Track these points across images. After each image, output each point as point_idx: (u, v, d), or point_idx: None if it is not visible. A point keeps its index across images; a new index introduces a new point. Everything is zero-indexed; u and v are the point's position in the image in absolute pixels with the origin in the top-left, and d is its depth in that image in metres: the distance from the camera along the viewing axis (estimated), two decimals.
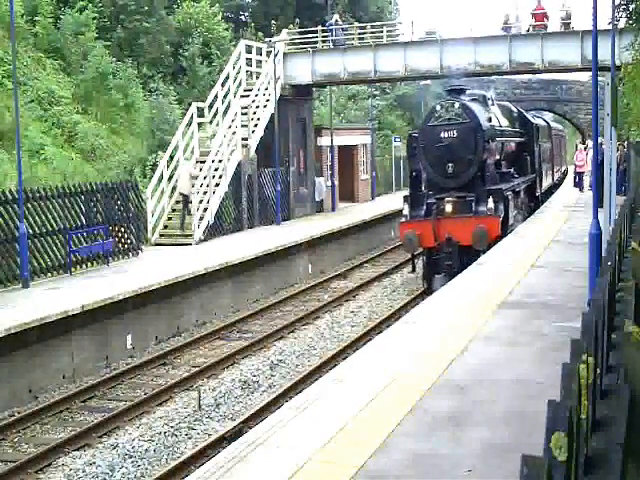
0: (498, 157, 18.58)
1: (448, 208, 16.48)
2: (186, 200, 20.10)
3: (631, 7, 17.50)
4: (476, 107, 17.28)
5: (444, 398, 5.98)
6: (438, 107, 17.14)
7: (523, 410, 5.59)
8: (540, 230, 17.15)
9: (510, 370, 6.68)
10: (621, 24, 18.57)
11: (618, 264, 4.43)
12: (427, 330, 8.22)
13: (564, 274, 11.38)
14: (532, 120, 23.98)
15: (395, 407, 5.79)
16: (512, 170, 20.20)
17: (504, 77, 42.58)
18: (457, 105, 16.77)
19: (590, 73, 22.60)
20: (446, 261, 15.86)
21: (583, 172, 28.26)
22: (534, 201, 23.51)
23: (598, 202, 9.70)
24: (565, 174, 39.17)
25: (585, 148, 29.22)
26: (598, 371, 2.48)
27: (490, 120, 17.48)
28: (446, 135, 16.62)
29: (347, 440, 5.18)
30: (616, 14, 15.15)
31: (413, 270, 17.71)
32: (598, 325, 2.62)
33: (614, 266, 3.90)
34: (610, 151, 11.02)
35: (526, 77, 44.19)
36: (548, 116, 46.25)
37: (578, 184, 28.94)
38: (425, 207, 16.83)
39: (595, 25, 9.84)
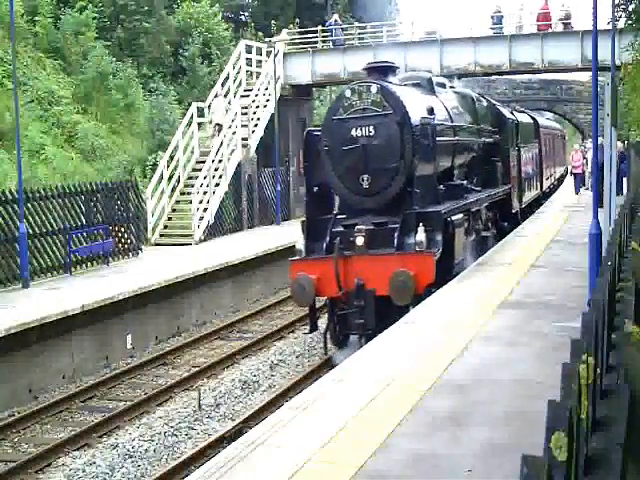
0: (447, 164, 13.47)
1: (359, 241, 10.92)
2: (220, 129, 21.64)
3: (631, 7, 17.49)
4: (406, 92, 12.15)
5: (444, 398, 5.98)
6: (348, 92, 11.59)
7: (523, 410, 5.59)
8: (540, 230, 17.12)
9: (510, 370, 6.67)
10: (621, 24, 18.55)
11: (618, 264, 4.43)
12: (427, 330, 8.22)
13: (564, 274, 11.38)
14: (508, 115, 18.43)
15: (395, 407, 5.79)
16: (473, 181, 15.16)
17: (504, 77, 42.55)
18: (374, 89, 11.35)
19: (590, 73, 22.62)
20: (356, 318, 10.81)
21: (579, 173, 27.27)
22: (509, 220, 17.79)
23: (598, 202, 9.71)
24: (562, 180, 35.29)
25: (583, 149, 28.55)
26: (598, 371, 2.48)
27: (431, 112, 12.05)
28: (359, 133, 11.34)
29: (347, 440, 5.18)
30: (616, 14, 15.15)
31: (311, 330, 12.04)
32: (598, 325, 2.62)
33: (614, 266, 3.90)
34: (610, 151, 11.02)
35: (526, 77, 44.18)
36: (548, 115, 46.18)
37: (575, 186, 27.54)
38: (328, 238, 11.36)
39: (595, 25, 9.83)
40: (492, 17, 27.67)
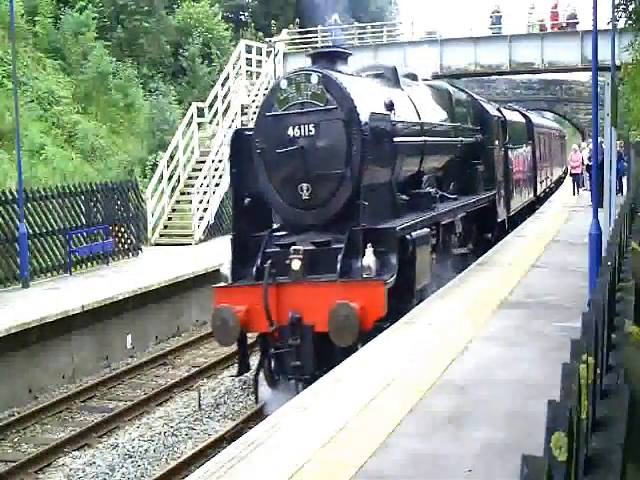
0: (412, 169, 11.42)
1: (295, 265, 8.98)
2: None
3: (631, 7, 17.49)
4: (356, 83, 10.06)
5: (444, 398, 5.98)
6: (284, 83, 9.58)
7: (523, 410, 5.59)
8: (540, 230, 17.12)
9: (510, 370, 6.67)
10: (621, 24, 18.55)
11: (618, 264, 4.43)
12: (427, 330, 8.22)
13: (564, 274, 11.38)
14: (493, 112, 16.23)
15: (395, 407, 5.79)
16: (449, 187, 13.40)
17: (504, 77, 42.57)
18: (315, 79, 9.36)
19: (590, 73, 22.63)
20: (292, 360, 8.87)
21: (578, 174, 26.67)
22: (493, 230, 15.66)
23: (598, 202, 9.71)
24: (560, 182, 33.76)
25: (581, 149, 28.12)
26: (598, 371, 2.48)
27: (391, 107, 10.20)
28: (297, 133, 9.39)
29: (347, 440, 5.18)
30: (616, 14, 15.15)
31: (240, 371, 9.85)
32: (598, 325, 2.62)
33: (614, 266, 3.90)
34: (610, 151, 11.02)
35: (526, 77, 44.22)
36: (548, 115, 46.15)
37: (573, 187, 26.97)
38: (259, 261, 9.31)
39: (595, 25, 9.84)
40: (491, 17, 27.69)
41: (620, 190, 19.81)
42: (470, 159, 14.45)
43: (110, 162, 21.07)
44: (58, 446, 9.18)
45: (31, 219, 14.70)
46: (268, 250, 9.40)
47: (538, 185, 23.44)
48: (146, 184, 20.49)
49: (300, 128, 9.39)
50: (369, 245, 8.85)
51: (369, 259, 8.79)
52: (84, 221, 16.10)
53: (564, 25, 26.27)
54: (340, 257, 8.94)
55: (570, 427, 1.74)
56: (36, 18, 23.12)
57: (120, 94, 23.56)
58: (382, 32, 28.26)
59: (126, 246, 17.53)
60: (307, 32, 28.07)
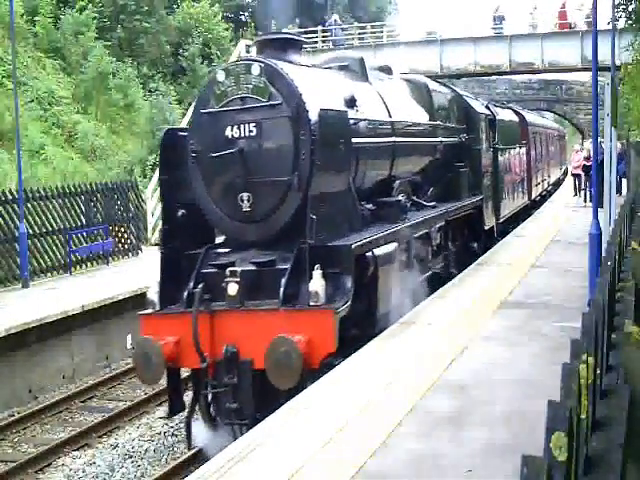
0: (380, 174, 10.10)
1: (232, 289, 7.62)
2: None
3: (631, 7, 17.50)
4: (307, 75, 8.69)
5: (444, 398, 5.98)
6: (221, 75, 8.21)
7: (523, 410, 5.59)
8: (540, 230, 17.11)
9: (510, 370, 6.68)
10: (621, 24, 18.58)
11: (618, 264, 4.43)
12: (426, 330, 8.22)
13: (564, 274, 11.38)
14: (480, 110, 14.89)
15: (395, 407, 5.79)
16: (427, 193, 12.04)
17: (504, 77, 42.59)
18: (256, 70, 8.01)
19: (590, 73, 22.63)
20: (229, 402, 7.56)
21: (579, 174, 26.51)
22: (479, 240, 14.33)
23: (598, 202, 9.71)
24: (559, 183, 32.72)
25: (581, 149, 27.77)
26: (598, 371, 2.48)
27: (352, 103, 9.02)
28: (236, 133, 8.06)
29: (347, 440, 5.18)
30: (616, 14, 15.16)
31: (171, 412, 8.39)
32: (598, 325, 2.62)
33: (614, 266, 3.90)
34: (610, 151, 11.03)
35: (526, 77, 44.25)
36: (548, 115, 46.11)
37: (574, 187, 26.19)
38: (192, 284, 7.96)
39: (595, 25, 9.84)
40: (494, 18, 27.70)
41: (619, 190, 19.80)
42: (453, 161, 13.12)
43: (110, 162, 21.08)
44: (58, 446, 9.18)
45: (31, 219, 14.71)
46: (204, 271, 8.04)
47: (533, 188, 22.16)
48: (146, 184, 20.49)
49: (239, 128, 8.02)
50: (317, 267, 7.38)
51: (316, 283, 7.32)
52: (84, 221, 16.10)
53: (572, 25, 26.25)
54: (284, 280, 7.48)
55: (570, 427, 1.74)
56: (36, 18, 23.13)
57: (120, 94, 23.57)
58: (382, 32, 28.27)
59: (126, 246, 17.53)
60: (307, 32, 28.08)
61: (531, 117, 24.70)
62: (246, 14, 38.27)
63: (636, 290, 3.24)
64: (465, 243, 13.61)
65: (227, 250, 8.42)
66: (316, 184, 7.78)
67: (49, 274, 14.99)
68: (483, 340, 7.74)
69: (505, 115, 18.44)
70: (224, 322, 7.63)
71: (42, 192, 15.14)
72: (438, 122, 12.59)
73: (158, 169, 9.05)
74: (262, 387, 7.32)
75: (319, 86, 8.73)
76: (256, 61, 8.17)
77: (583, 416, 2.04)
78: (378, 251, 8.37)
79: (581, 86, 45.88)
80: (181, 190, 8.55)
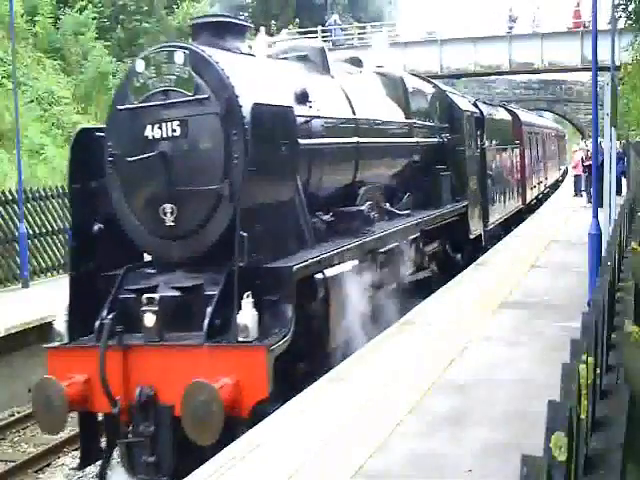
0: (341, 180, 8.86)
1: (148, 320, 6.41)
2: None
3: (630, 7, 17.51)
4: (245, 65, 7.46)
5: (444, 398, 5.98)
6: (140, 65, 6.94)
7: (523, 410, 5.59)
8: (540, 230, 17.11)
9: (510, 370, 6.68)
10: (620, 24, 18.58)
11: (618, 264, 4.43)
12: (426, 330, 8.22)
13: (564, 274, 11.38)
14: (465, 107, 13.64)
15: (395, 407, 5.79)
16: (402, 200, 10.67)
17: (504, 77, 42.61)
18: (180, 58, 6.76)
19: (590, 73, 22.65)
20: (144, 453, 6.29)
21: (579, 175, 25.57)
22: (464, 250, 13.13)
23: (598, 202, 9.71)
24: (557, 185, 31.60)
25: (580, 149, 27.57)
26: (598, 371, 2.49)
27: (303, 99, 7.92)
28: (157, 133, 6.83)
29: (347, 440, 5.18)
30: (616, 14, 15.17)
31: (83, 462, 6.97)
32: (598, 325, 2.62)
33: (614, 266, 3.90)
34: (610, 151, 11.03)
35: (526, 77, 44.29)
36: (547, 115, 46.09)
37: (575, 187, 25.96)
38: (105, 312, 6.66)
39: (595, 25, 9.84)
40: (509, 17, 27.70)
41: (619, 191, 19.79)
42: (433, 164, 11.94)
43: None
44: (58, 446, 9.18)
45: (31, 219, 14.71)
46: (122, 296, 6.78)
47: (528, 191, 20.96)
48: None
49: (161, 127, 6.77)
50: (247, 294, 6.11)
51: (246, 315, 6.09)
52: None
53: (586, 24, 26.21)
54: (210, 309, 6.25)
55: (570, 427, 1.74)
56: (36, 18, 23.12)
57: None
58: (382, 32, 28.26)
59: None
60: (307, 32, 28.08)
61: (526, 116, 23.71)
62: (246, 14, 38.29)
63: (636, 290, 3.24)
64: (447, 255, 12.38)
65: (151, 271, 7.06)
66: (249, 194, 6.45)
67: (49, 274, 14.99)
68: (483, 340, 7.74)
69: (495, 113, 17.23)
70: (139, 359, 6.35)
71: (42, 192, 15.15)
72: (414, 120, 11.32)
73: (67, 176, 7.37)
74: (184, 438, 5.93)
75: (260, 78, 7.45)
76: (180, 48, 6.82)
77: (583, 416, 2.04)
78: (330, 272, 7.13)
79: (581, 86, 45.92)
80: (99, 200, 7.21)
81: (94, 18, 24.48)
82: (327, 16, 31.66)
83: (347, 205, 8.75)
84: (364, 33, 28.88)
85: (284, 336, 6.20)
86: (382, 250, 8.84)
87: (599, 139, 11.79)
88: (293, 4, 37.28)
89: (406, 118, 11.10)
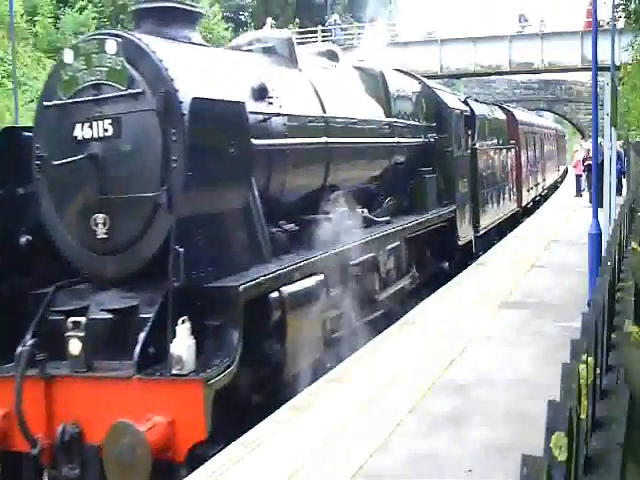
0: (308, 183, 8.01)
1: (73, 347, 5.52)
2: None
3: (630, 7, 17.52)
4: (189, 55, 6.59)
5: (444, 398, 5.98)
6: (69, 55, 6.12)
7: (523, 410, 5.59)
8: (540, 230, 17.11)
9: (510, 370, 6.68)
10: (620, 24, 18.59)
11: (618, 264, 4.43)
12: (426, 330, 8.23)
13: (564, 274, 11.38)
14: (453, 105, 12.77)
15: (395, 407, 5.79)
16: (382, 206, 10.00)
17: (504, 77, 42.62)
18: (112, 47, 5.93)
19: (590, 73, 22.66)
20: None
21: (580, 175, 25.42)
22: (452, 257, 12.30)
23: (598, 202, 9.71)
24: (556, 186, 30.94)
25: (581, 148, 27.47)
26: (598, 371, 2.49)
27: (262, 94, 7.06)
28: (88, 133, 6.02)
29: (347, 440, 5.18)
30: (616, 14, 15.18)
31: None
32: (598, 325, 2.62)
33: (614, 266, 3.90)
34: (610, 151, 11.03)
35: (526, 77, 44.32)
36: (547, 115, 46.09)
37: (576, 187, 25.76)
38: (29, 336, 5.78)
39: (595, 25, 9.84)
40: (520, 17, 27.73)
41: (619, 191, 19.78)
42: (418, 166, 11.19)
43: None
44: None
45: None
46: (51, 318, 5.98)
47: (524, 193, 20.08)
48: None
49: (92, 126, 5.98)
50: (183, 319, 5.28)
51: (180, 344, 5.25)
52: None
53: (600, 23, 26.17)
54: (143, 335, 5.45)
55: (570, 427, 1.74)
56: (36, 18, 23.16)
57: None
58: (374, 28, 28.24)
59: None
60: (307, 32, 28.07)
61: (523, 115, 23.05)
62: (246, 14, 38.30)
63: (636, 290, 3.24)
64: (434, 263, 11.62)
65: (84, 289, 6.23)
66: (188, 202, 5.64)
67: None
68: (483, 340, 7.74)
69: (488, 112, 16.32)
70: (63, 392, 5.54)
71: None
72: (395, 119, 10.41)
73: None
74: None
75: (209, 71, 6.65)
76: (113, 37, 6.01)
77: (583, 416, 2.04)
78: (288, 289, 6.28)
79: (581, 86, 45.94)
80: (28, 209, 6.38)
81: (94, 18, 24.52)
82: (327, 16, 31.67)
83: (317, 212, 7.86)
84: (364, 33, 28.86)
85: (228, 367, 5.34)
86: (354, 262, 7.94)
87: (599, 139, 11.78)
88: (293, 4, 37.27)
89: (387, 116, 10.23)
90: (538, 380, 6.18)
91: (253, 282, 5.81)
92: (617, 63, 16.15)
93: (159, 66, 5.97)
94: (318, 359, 6.88)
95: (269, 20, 23.14)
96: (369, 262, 8.48)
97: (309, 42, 26.90)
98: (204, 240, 5.73)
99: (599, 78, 11.58)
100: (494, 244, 14.83)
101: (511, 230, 16.99)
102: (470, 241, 13.08)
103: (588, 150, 21.71)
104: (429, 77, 28.71)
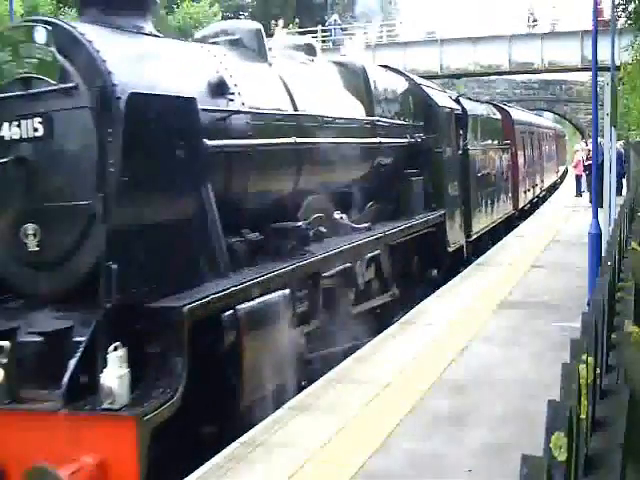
0: (276, 188, 7.30)
1: None
2: None
3: (630, 7, 17.52)
4: (130, 45, 5.80)
5: (444, 398, 5.98)
6: None
7: (523, 410, 5.60)
8: (540, 230, 17.12)
9: (510, 370, 6.68)
10: (620, 24, 18.59)
11: (618, 264, 4.43)
12: (426, 330, 8.23)
13: (564, 274, 11.38)
14: (442, 103, 12.02)
15: (395, 407, 5.79)
16: (363, 210, 9.35)
17: (504, 77, 42.64)
18: (42, 36, 5.16)
19: (590, 73, 22.66)
20: None
21: (580, 175, 25.50)
22: (441, 264, 11.58)
23: (598, 202, 9.72)
24: (555, 187, 30.56)
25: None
26: (598, 371, 2.49)
27: (220, 90, 6.40)
28: (16, 133, 5.30)
29: (347, 440, 5.18)
30: (616, 14, 15.18)
31: None
32: (598, 325, 2.62)
33: (614, 266, 3.90)
34: (610, 151, 11.03)
35: (526, 77, 44.34)
36: (547, 115, 46.08)
37: (576, 187, 25.75)
38: None
39: (595, 25, 9.85)
40: (529, 16, 27.80)
41: (619, 191, 19.79)
42: (403, 168, 10.51)
43: None
44: None
45: None
46: None
47: (521, 195, 19.46)
48: None
49: (20, 125, 5.32)
50: (115, 346, 4.59)
51: (111, 374, 4.55)
52: None
53: (607, 22, 26.18)
54: (74, 362, 4.79)
55: (570, 427, 1.74)
56: None
57: None
58: (382, 32, 28.30)
59: None
60: (307, 32, 28.10)
61: (519, 114, 22.37)
62: (246, 14, 38.33)
63: (636, 290, 3.24)
64: (421, 272, 10.92)
65: (14, 308, 5.54)
66: (123, 212, 4.94)
67: None
68: (483, 340, 7.74)
69: (481, 111, 15.58)
70: None
71: None
72: (377, 117, 9.66)
73: None
74: None
75: (158, 65, 5.91)
76: (41, 24, 5.30)
77: (583, 416, 2.04)
78: (244, 307, 5.57)
79: (581, 86, 45.95)
80: None
81: None
82: (327, 16, 31.70)
83: (288, 219, 7.14)
84: (364, 33, 28.87)
85: (169, 398, 4.68)
86: (326, 274, 7.24)
87: (599, 139, 11.79)
88: (293, 4, 37.32)
89: (369, 115, 9.51)
90: (538, 380, 6.18)
91: (201, 301, 5.13)
92: (617, 63, 16.15)
93: (95, 57, 5.29)
94: (284, 383, 6.14)
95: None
96: (344, 273, 7.74)
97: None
98: (146, 254, 5.05)
99: (599, 78, 11.59)
100: (487, 249, 14.24)
101: (506, 234, 16.40)
102: (461, 247, 12.48)
103: (589, 150, 21.72)
104: (429, 77, 28.69)
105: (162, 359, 4.85)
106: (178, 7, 29.60)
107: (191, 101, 5.67)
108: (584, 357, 2.18)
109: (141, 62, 5.72)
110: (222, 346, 5.38)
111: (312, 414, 5.75)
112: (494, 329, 8.19)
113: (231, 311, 5.43)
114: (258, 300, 5.78)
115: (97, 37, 5.41)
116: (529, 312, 8.96)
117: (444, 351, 7.35)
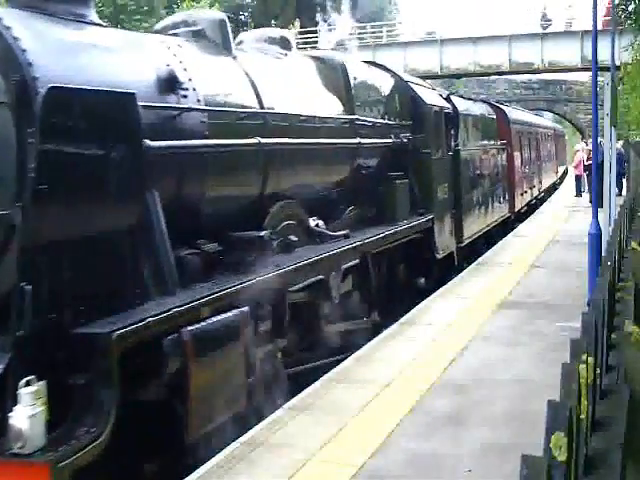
0: (246, 190, 6.71)
1: None
2: None
3: (630, 7, 17.53)
4: (61, 35, 5.00)
5: (444, 398, 5.98)
6: None
7: (523, 410, 5.60)
8: (540, 230, 17.12)
9: (510, 370, 6.68)
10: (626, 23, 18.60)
11: (618, 264, 4.43)
12: (426, 329, 8.23)
13: (564, 274, 11.38)
14: (431, 101, 11.28)
15: (395, 407, 5.79)
16: (342, 216, 8.73)
17: (504, 77, 42.66)
18: None
19: (590, 73, 22.65)
20: None
21: (580, 175, 25.38)
22: (430, 273, 10.88)
23: (598, 202, 9.71)
24: (555, 188, 30.17)
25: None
26: (598, 371, 2.49)
27: (171, 85, 5.64)
28: None
29: (347, 440, 5.18)
30: (615, 14, 15.18)
31: None
32: (598, 325, 2.62)
33: (614, 266, 3.90)
34: (610, 151, 11.03)
35: (526, 77, 44.36)
36: (547, 115, 46.10)
37: (576, 187, 25.64)
38: None
39: (595, 25, 9.84)
40: (542, 16, 27.78)
41: (619, 191, 19.79)
42: (388, 170, 9.85)
43: None
44: None
45: None
46: None
47: (517, 198, 18.68)
48: None
49: None
50: (27, 380, 3.96)
51: (22, 413, 3.92)
52: None
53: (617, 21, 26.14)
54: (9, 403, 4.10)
55: (570, 427, 1.74)
56: None
57: None
58: (382, 32, 28.30)
59: None
60: (307, 32, 28.07)
61: (516, 113, 21.65)
62: (246, 14, 38.32)
63: (636, 290, 3.24)
64: (406, 280, 10.34)
65: None
66: (41, 225, 4.27)
67: None
68: (483, 340, 7.74)
69: (475, 109, 14.91)
70: None
71: None
72: (356, 116, 8.96)
73: None
74: None
75: (91, 56, 5.19)
76: None
77: (583, 416, 2.04)
78: (191, 330, 4.89)
79: (581, 86, 45.97)
80: None
81: None
82: (327, 16, 31.74)
83: (253, 228, 6.40)
84: (364, 33, 28.88)
85: (95, 439, 4.11)
86: (293, 289, 6.61)
87: (599, 139, 11.79)
88: (293, 4, 37.31)
89: (348, 113, 8.82)
90: (538, 380, 6.18)
91: (135, 325, 4.47)
92: (617, 63, 16.15)
93: (13, 46, 4.55)
94: (242, 411, 5.56)
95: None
96: (316, 287, 7.09)
97: (309, 42, 26.92)
98: (72, 272, 4.44)
99: (599, 78, 11.58)
100: (481, 254, 13.61)
101: (502, 238, 15.78)
102: (452, 252, 11.84)
103: (589, 151, 21.69)
104: (429, 77, 28.72)
105: (88, 392, 4.27)
106: (178, 7, 29.60)
107: (128, 97, 4.91)
108: (584, 357, 2.18)
109: (74, 53, 5.04)
110: (164, 374, 4.74)
111: (312, 414, 5.75)
112: (494, 329, 8.20)
113: (175, 335, 4.78)
114: (210, 320, 5.12)
115: (18, 24, 4.69)
116: (529, 312, 8.97)
117: (444, 351, 7.35)
